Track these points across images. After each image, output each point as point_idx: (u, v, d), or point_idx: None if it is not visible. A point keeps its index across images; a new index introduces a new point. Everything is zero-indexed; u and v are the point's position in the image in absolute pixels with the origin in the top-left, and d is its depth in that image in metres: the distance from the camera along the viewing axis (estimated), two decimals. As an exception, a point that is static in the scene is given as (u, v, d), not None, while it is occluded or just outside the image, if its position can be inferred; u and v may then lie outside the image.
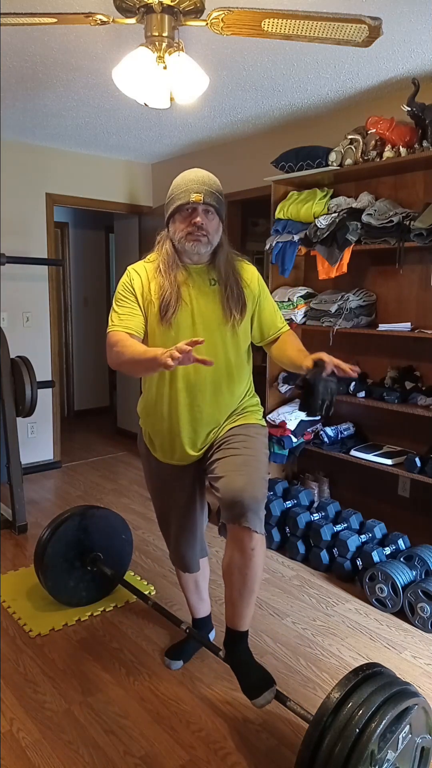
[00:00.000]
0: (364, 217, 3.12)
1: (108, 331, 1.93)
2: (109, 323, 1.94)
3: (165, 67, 1.94)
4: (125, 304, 1.94)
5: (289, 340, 2.08)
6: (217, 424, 2.02)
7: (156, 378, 2.01)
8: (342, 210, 3.25)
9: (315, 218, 3.33)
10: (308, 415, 1.86)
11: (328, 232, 3.22)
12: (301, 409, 1.80)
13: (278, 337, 2.11)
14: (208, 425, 2.01)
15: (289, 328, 2.13)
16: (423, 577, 2.75)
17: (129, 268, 2.01)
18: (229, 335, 1.96)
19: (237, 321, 1.96)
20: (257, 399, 2.15)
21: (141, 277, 1.96)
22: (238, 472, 1.89)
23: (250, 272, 2.06)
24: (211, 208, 1.89)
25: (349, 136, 3.21)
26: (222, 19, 1.84)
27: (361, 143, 3.17)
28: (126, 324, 1.91)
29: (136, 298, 1.94)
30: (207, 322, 1.94)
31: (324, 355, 1.77)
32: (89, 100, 3.43)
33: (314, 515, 3.26)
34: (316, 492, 3.65)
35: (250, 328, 2.06)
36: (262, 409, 2.17)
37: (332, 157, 3.24)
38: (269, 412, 3.61)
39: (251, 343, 2.11)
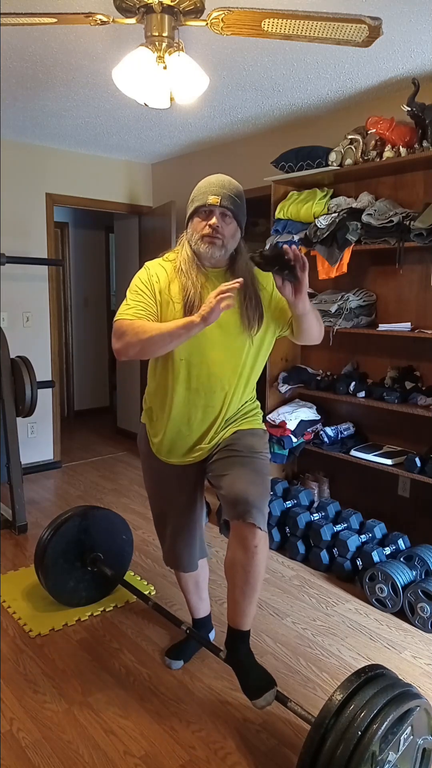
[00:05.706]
0: (364, 217, 3.12)
1: (116, 319, 1.89)
2: (118, 313, 1.90)
3: (165, 67, 1.94)
4: (140, 297, 1.90)
5: None
6: (224, 426, 2.04)
7: (166, 377, 2.00)
8: (342, 210, 3.25)
9: (315, 218, 3.33)
10: (273, 270, 1.77)
11: (328, 232, 3.22)
12: (265, 268, 1.77)
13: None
14: (214, 428, 2.02)
15: None
16: (423, 577, 2.75)
17: (147, 264, 1.98)
18: (246, 342, 1.95)
19: (253, 330, 1.93)
20: (258, 403, 2.17)
21: (161, 276, 1.94)
22: (242, 470, 1.91)
23: (267, 275, 1.95)
24: (229, 213, 1.87)
25: (349, 136, 3.21)
26: (222, 19, 1.84)
27: (361, 143, 3.17)
28: (138, 316, 1.87)
29: (153, 294, 1.92)
30: (225, 327, 1.92)
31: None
32: (89, 100, 3.43)
33: (314, 515, 3.26)
34: (316, 492, 3.65)
35: (266, 338, 2.01)
36: (262, 413, 2.18)
37: (332, 157, 3.24)
38: (269, 412, 3.61)
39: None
